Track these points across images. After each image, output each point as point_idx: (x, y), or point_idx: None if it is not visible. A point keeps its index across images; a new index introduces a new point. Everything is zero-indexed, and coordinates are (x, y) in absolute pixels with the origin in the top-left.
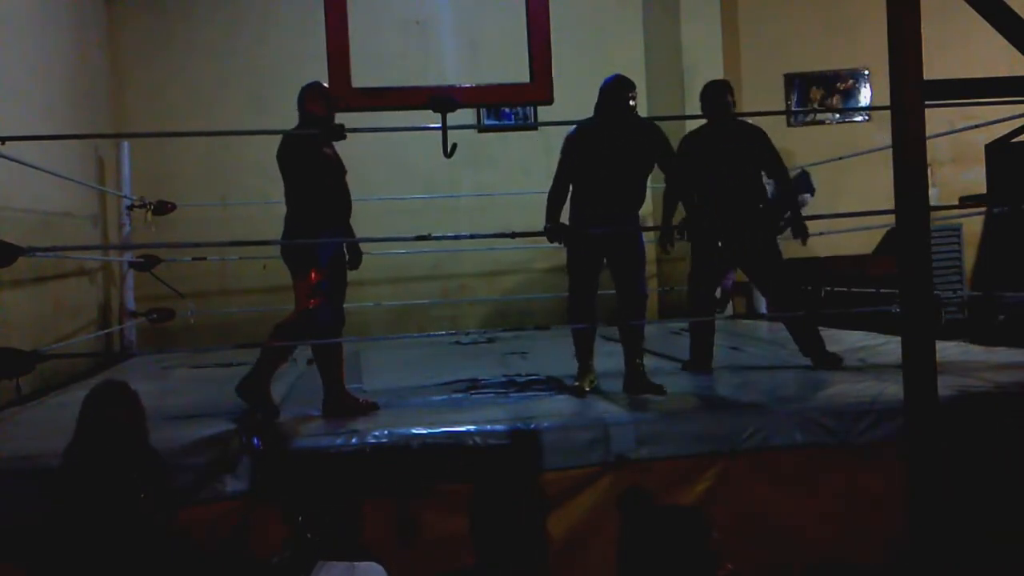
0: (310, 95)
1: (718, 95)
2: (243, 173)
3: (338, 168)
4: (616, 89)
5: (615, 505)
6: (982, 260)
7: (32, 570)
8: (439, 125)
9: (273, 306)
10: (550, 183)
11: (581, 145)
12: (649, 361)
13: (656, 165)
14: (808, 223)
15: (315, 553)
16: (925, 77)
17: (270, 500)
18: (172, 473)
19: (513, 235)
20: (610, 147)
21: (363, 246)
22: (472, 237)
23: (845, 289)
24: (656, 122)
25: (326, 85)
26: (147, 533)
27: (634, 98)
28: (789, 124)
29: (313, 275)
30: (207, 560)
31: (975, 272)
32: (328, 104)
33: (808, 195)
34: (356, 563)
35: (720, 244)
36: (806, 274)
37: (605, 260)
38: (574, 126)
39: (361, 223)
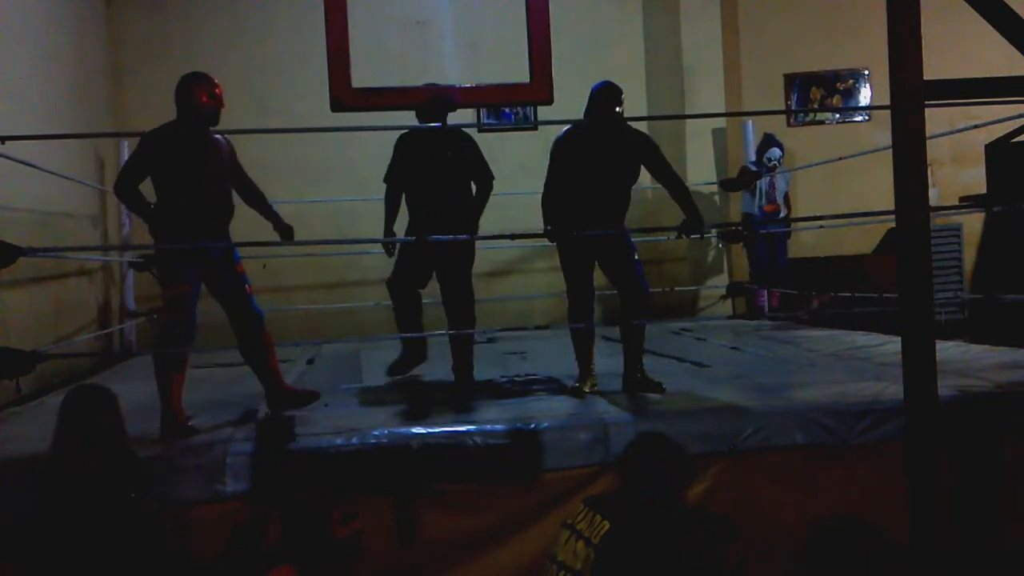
0: (190, 85)
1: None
2: None
3: (202, 172)
4: (606, 96)
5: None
6: (982, 260)
7: (31, 571)
8: (439, 125)
9: (273, 306)
10: None
11: (569, 148)
12: (650, 361)
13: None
14: (808, 223)
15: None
16: (925, 77)
17: (268, 500)
18: (156, 475)
19: (513, 236)
20: (598, 152)
21: (364, 245)
22: (472, 238)
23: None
24: (649, 123)
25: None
26: (135, 534)
27: (621, 105)
28: (789, 124)
29: (172, 289)
30: (199, 561)
31: (975, 272)
32: (211, 94)
33: (777, 150)
34: None
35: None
36: (806, 274)
37: (597, 263)
38: (563, 129)
39: (362, 223)
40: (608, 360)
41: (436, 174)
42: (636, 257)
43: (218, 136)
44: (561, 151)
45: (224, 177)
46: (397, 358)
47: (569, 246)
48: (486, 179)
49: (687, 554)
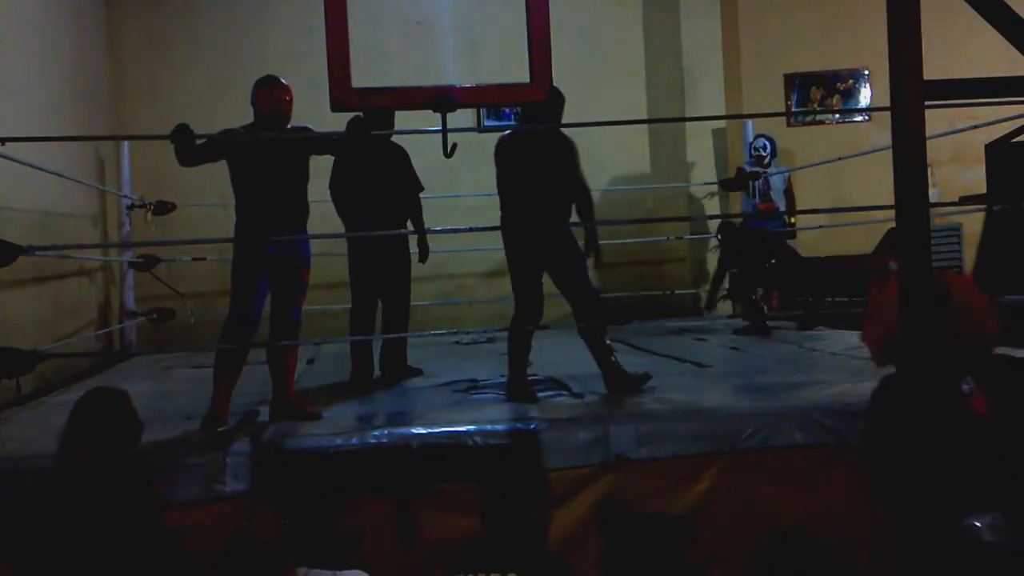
0: (255, 88)
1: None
2: None
3: (263, 171)
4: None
5: (592, 518)
6: (982, 260)
7: (32, 571)
8: (439, 126)
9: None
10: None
11: (502, 152)
12: (650, 361)
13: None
14: (807, 220)
15: (295, 554)
16: (925, 77)
17: (267, 501)
18: (164, 475)
19: (513, 230)
20: (527, 155)
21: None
22: (471, 231)
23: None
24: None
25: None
26: (138, 535)
27: (552, 106)
28: (789, 124)
29: (231, 284)
30: (197, 562)
31: (975, 272)
32: (272, 96)
33: (763, 139)
34: (340, 571)
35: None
36: (806, 274)
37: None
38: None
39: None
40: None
41: (377, 185)
42: (585, 263)
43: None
44: (497, 155)
45: (297, 179)
46: (354, 375)
47: (518, 251)
48: (415, 190)
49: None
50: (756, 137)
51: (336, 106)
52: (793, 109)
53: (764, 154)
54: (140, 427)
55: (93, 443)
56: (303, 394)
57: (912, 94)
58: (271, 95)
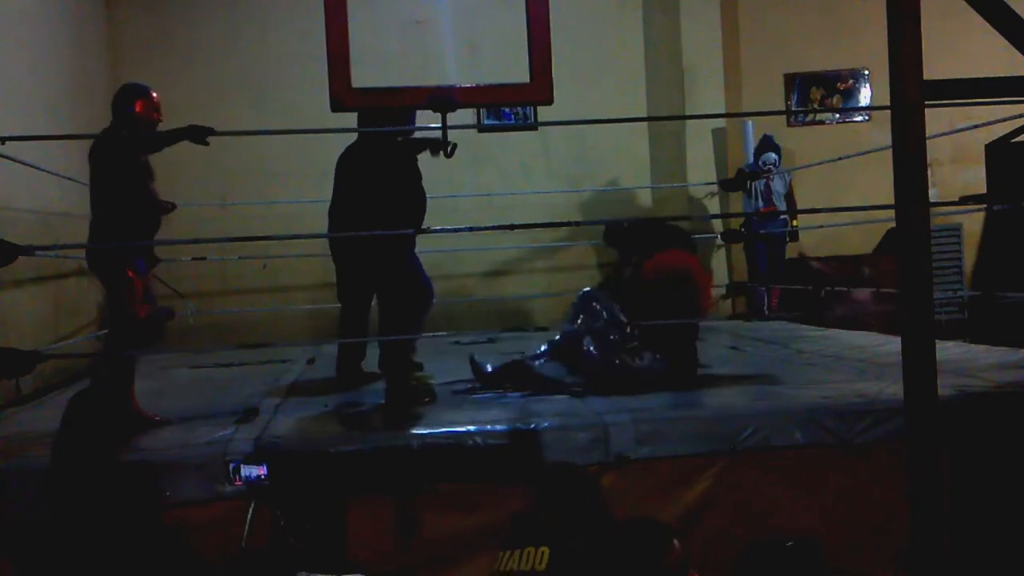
0: (133, 96)
1: None
2: (243, 173)
3: (148, 174)
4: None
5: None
6: (982, 260)
7: (31, 569)
8: (439, 125)
9: (273, 306)
10: (550, 183)
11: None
12: None
13: None
14: (807, 220)
15: (297, 559)
16: (925, 77)
17: (266, 501)
18: (164, 475)
19: (512, 227)
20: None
21: None
22: (471, 230)
23: (845, 288)
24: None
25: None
26: (136, 534)
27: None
28: (789, 124)
29: (138, 283)
30: (198, 561)
31: (975, 272)
32: (152, 107)
33: (773, 154)
34: None
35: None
36: (806, 273)
37: None
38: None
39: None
40: None
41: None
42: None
43: None
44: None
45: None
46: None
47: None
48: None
49: (629, 559)
50: (765, 149)
51: (336, 106)
52: (793, 109)
53: (774, 169)
54: (131, 425)
55: (84, 442)
56: (303, 390)
57: (912, 94)
58: (156, 107)
